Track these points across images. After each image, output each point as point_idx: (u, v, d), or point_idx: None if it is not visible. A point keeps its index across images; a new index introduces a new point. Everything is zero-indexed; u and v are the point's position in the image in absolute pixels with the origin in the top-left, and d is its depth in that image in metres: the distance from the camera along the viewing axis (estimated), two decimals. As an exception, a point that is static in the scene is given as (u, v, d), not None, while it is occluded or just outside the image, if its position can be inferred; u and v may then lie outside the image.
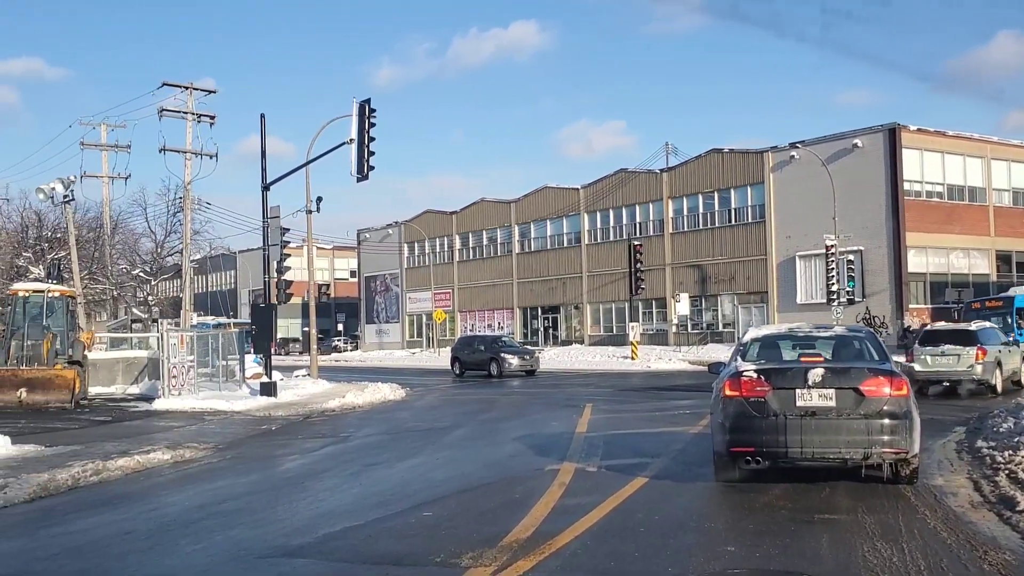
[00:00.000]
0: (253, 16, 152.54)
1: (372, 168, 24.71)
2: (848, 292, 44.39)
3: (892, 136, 44.81)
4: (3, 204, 53.10)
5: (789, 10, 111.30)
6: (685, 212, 54.60)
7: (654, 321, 56.42)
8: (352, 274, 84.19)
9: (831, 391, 9.25)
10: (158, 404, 23.71)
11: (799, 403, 9.27)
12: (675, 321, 53.71)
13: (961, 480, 10.15)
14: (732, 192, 52.07)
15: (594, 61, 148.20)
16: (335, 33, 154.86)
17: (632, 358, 44.66)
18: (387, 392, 27.85)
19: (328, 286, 35.09)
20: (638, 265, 42.50)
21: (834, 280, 44.07)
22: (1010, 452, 11.10)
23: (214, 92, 42.40)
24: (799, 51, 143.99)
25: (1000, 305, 33.53)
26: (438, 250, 70.75)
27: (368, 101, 24.81)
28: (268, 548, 7.69)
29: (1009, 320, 31.66)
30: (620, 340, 56.12)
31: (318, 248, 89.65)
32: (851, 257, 44.69)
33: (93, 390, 27.56)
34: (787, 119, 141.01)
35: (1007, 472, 10.05)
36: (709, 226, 53.21)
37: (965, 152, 47.05)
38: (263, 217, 27.88)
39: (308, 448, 15.20)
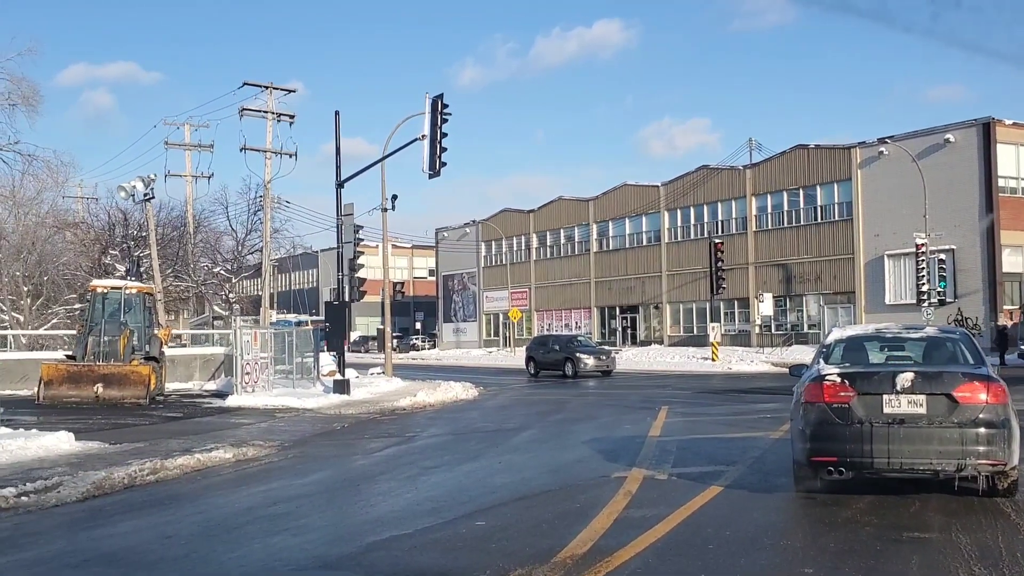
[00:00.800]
0: (337, 16, 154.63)
1: (444, 164, 24.31)
2: (939, 292, 42.54)
3: (986, 130, 42.80)
4: (92, 203, 54.47)
5: None
6: (769, 210, 53.12)
7: (736, 322, 55.07)
8: (430, 273, 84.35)
9: (922, 397, 8.53)
10: (231, 401, 23.70)
11: (887, 410, 8.58)
12: (758, 322, 52.30)
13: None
14: (818, 189, 50.44)
15: (678, 59, 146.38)
16: (418, 33, 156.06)
17: (712, 359, 43.53)
18: (459, 391, 27.45)
19: (403, 284, 34.73)
20: (719, 264, 41.35)
21: (924, 280, 42.30)
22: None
23: (294, 91, 42.73)
24: (899, 43, 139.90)
25: None
26: (515, 249, 70.33)
27: (440, 97, 24.42)
28: (307, 558, 7.21)
29: None
30: (700, 341, 54.89)
31: (396, 247, 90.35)
32: (942, 256, 42.81)
33: (171, 386, 27.82)
34: (876, 116, 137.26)
35: (1124, 489, 8.97)
36: (794, 224, 51.66)
37: (1066, 146, 44.73)
38: (337, 214, 27.75)
39: (371, 448, 14.80)
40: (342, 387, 25.93)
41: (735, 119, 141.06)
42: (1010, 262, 42.97)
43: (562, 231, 66.46)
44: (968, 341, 9.81)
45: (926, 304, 42.21)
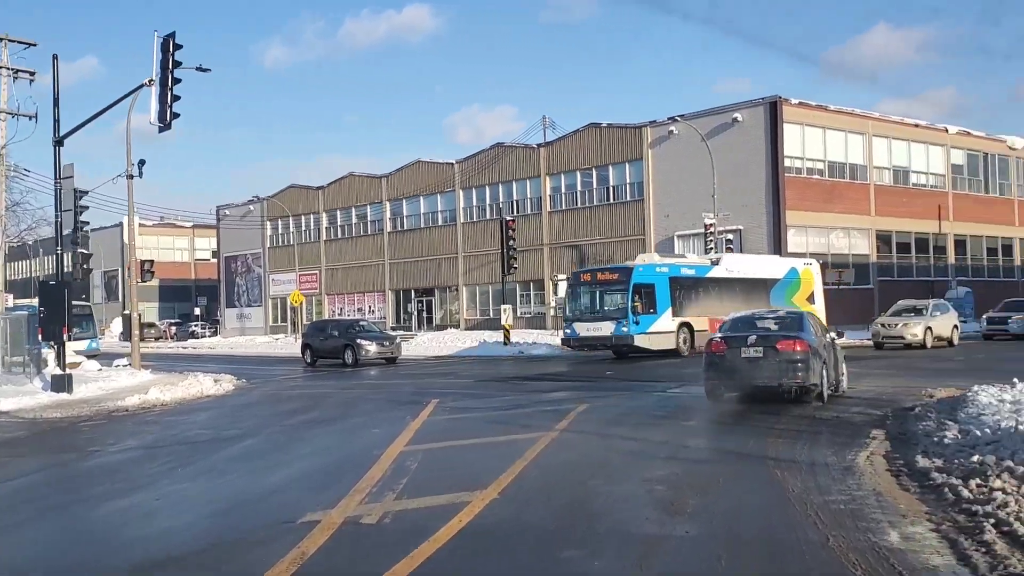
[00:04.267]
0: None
1: (176, 116, 20.13)
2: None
3: (773, 110, 42.19)
4: None
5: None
6: (563, 190, 51.15)
7: (532, 304, 52.91)
8: (214, 255, 78.05)
9: (760, 348, 14.74)
10: (-99, 403, 18.74)
11: (743, 355, 14.77)
12: (553, 304, 50.21)
13: (927, 536, 6.50)
14: (610, 169, 48.81)
15: (487, 47, 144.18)
16: (222, 5, 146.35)
17: (504, 343, 40.92)
18: (207, 386, 23.38)
19: (152, 263, 30.32)
20: (511, 243, 38.69)
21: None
22: (978, 482, 7.58)
23: (34, 45, 36.65)
24: (684, 32, 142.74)
25: (615, 279, 30.81)
26: (304, 228, 65.55)
27: (172, 36, 20.22)
28: None
29: (624, 299, 29.71)
30: (496, 324, 52.28)
31: (176, 226, 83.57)
32: (730, 236, 41.97)
33: None
34: (672, 105, 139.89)
35: (993, 521, 6.46)
36: (587, 204, 49.88)
37: (846, 128, 44.85)
38: (55, 177, 22.88)
39: (7, 475, 10.74)
40: (62, 384, 21.39)
41: (541, 108, 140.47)
42: (795, 242, 42.62)
43: (354, 210, 62.32)
44: (799, 318, 16.06)
45: (716, 285, 41.18)
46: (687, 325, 30.77)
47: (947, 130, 48.88)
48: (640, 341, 29.42)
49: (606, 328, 29.60)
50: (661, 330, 30.05)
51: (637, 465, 9.95)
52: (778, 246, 41.92)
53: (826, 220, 43.61)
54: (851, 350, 35.15)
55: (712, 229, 41.17)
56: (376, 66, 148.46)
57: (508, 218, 40.00)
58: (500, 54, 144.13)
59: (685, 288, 31.48)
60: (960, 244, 49.37)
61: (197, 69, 34.61)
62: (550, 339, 47.02)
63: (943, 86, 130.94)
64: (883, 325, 33.77)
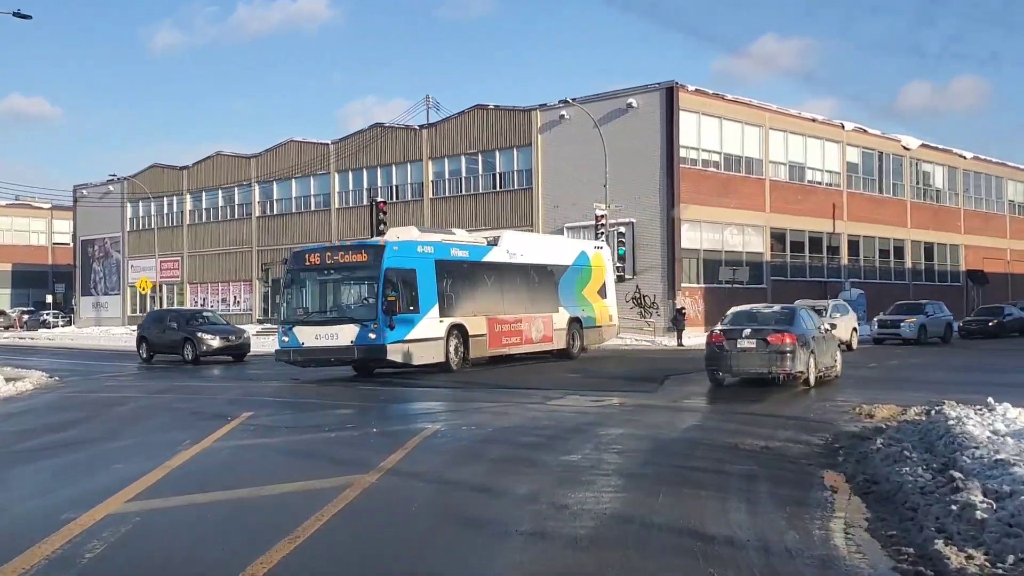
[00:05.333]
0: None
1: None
2: (618, 268, 38.32)
3: (669, 96, 39.00)
4: None
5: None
6: (447, 175, 47.01)
7: (408, 297, 48.55)
8: (74, 238, 71.07)
9: (753, 340, 16.52)
10: None
11: (739, 346, 16.57)
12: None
13: None
14: (497, 154, 44.93)
15: (382, 39, 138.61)
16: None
17: (374, 339, 36.54)
18: (-12, 386, 18.50)
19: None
20: (382, 228, 34.35)
21: (604, 254, 37.82)
22: None
23: None
24: (586, 15, 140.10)
25: (358, 262, 21.13)
26: (166, 211, 59.55)
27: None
28: None
29: (373, 292, 20.52)
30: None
31: (34, 207, 76.04)
32: (622, 229, 38.63)
33: None
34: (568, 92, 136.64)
35: None
36: (472, 192, 45.86)
37: (743, 119, 42.06)
38: None
39: None
40: None
41: (435, 100, 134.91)
42: (689, 238, 39.60)
43: (220, 191, 56.74)
44: (791, 313, 17.78)
45: (605, 280, 37.82)
46: (459, 328, 22.22)
47: (843, 126, 46.72)
48: (396, 352, 20.38)
49: (345, 335, 20.25)
50: (425, 336, 21.10)
51: (478, 553, 5.97)
52: (672, 241, 38.81)
53: (721, 215, 40.71)
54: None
55: (603, 221, 37.78)
56: (270, 54, 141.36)
57: (379, 199, 35.62)
58: (396, 46, 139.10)
59: (457, 277, 22.98)
60: (853, 244, 47.31)
61: (15, 15, 29.20)
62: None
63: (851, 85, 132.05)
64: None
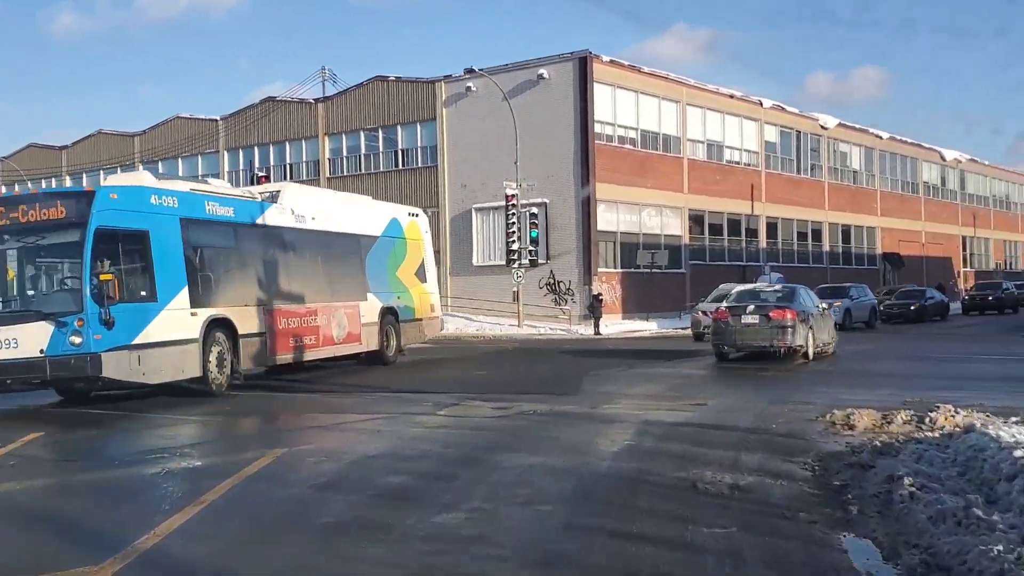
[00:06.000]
0: None
1: None
2: (531, 252, 35.30)
3: (583, 67, 35.98)
4: None
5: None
6: (344, 152, 43.22)
7: (306, 285, 44.64)
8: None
9: (756, 316, 17.73)
10: None
11: (743, 321, 17.79)
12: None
13: None
14: (399, 130, 41.35)
15: (289, 22, 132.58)
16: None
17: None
18: None
19: None
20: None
21: (515, 238, 34.77)
22: None
23: None
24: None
25: (55, 219, 12.93)
26: (40, 193, 54.26)
27: None
28: None
29: (76, 269, 12.91)
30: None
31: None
32: (535, 210, 35.53)
33: None
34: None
35: None
36: (372, 170, 42.21)
37: (660, 94, 39.34)
38: None
39: None
40: None
41: (343, 84, 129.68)
42: (605, 219, 36.73)
43: (101, 172, 51.61)
44: (792, 291, 19.32)
45: (516, 266, 34.74)
46: (224, 325, 14.79)
47: (761, 104, 44.45)
48: (116, 364, 12.75)
49: (30, 340, 12.52)
50: (167, 337, 13.66)
51: None
52: (587, 223, 35.88)
53: (638, 196, 37.93)
54: (669, 342, 29.71)
55: (514, 201, 34.64)
56: (176, 39, 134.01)
57: (260, 174, 31.76)
58: (303, 29, 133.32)
59: (218, 246, 15.71)
60: (772, 227, 45.17)
61: None
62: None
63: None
64: (704, 313, 28.15)
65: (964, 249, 60.79)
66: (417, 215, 22.65)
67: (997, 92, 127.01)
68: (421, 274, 22.06)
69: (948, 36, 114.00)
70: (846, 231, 50.04)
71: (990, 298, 44.11)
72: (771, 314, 17.52)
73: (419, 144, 40.89)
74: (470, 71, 36.24)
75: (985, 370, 16.59)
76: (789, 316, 17.46)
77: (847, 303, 33.84)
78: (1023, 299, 47.22)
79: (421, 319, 21.71)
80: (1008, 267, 65.03)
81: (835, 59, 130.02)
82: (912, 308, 38.14)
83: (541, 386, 14.74)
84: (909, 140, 55.52)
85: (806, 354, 17.99)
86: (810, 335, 18.00)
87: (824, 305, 20.32)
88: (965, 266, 60.40)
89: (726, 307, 18.45)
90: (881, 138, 52.69)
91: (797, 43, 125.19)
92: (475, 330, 35.45)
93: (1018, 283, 50.10)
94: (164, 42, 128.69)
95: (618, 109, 37.45)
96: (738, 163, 43.39)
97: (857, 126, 51.35)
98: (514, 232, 34.73)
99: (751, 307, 17.91)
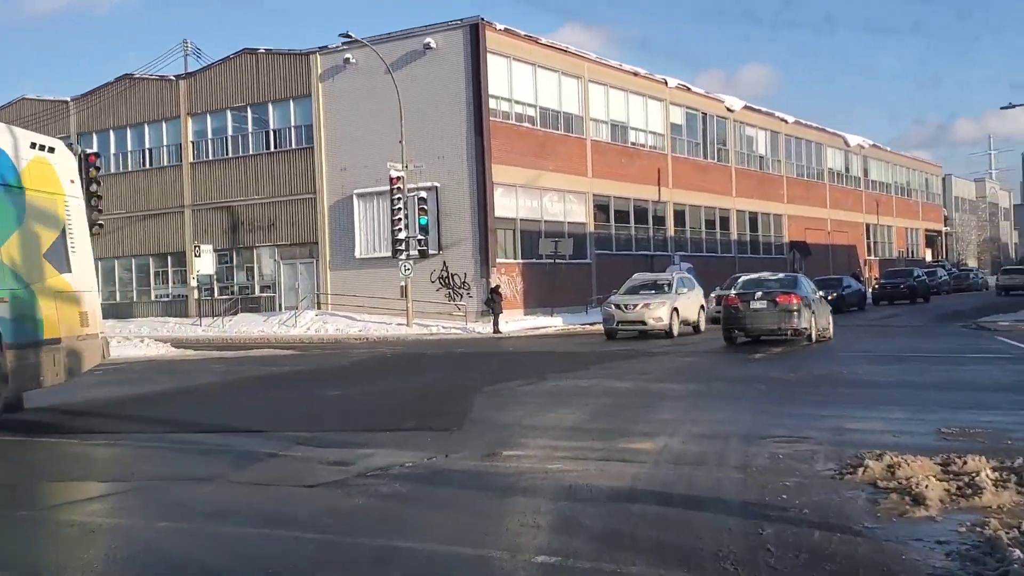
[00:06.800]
0: None
1: None
2: (420, 242, 30.87)
3: (474, 35, 31.70)
4: None
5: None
6: (210, 134, 37.88)
7: (171, 284, 39.25)
8: None
9: (764, 302, 18.79)
10: None
11: (752, 307, 18.81)
12: (194, 284, 37.01)
13: None
14: (271, 108, 36.32)
15: (178, 19, 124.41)
16: None
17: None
18: None
19: None
20: (94, 187, 24.82)
21: (401, 227, 30.31)
22: None
23: None
24: None
25: None
26: None
27: None
28: None
29: None
30: (126, 311, 38.49)
31: None
32: (423, 195, 31.09)
33: None
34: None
35: None
36: (242, 153, 37.02)
37: (560, 68, 35.35)
38: None
39: None
40: None
41: (195, 46, 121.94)
42: (503, 205, 32.55)
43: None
44: (794, 278, 20.59)
45: (403, 257, 30.29)
46: None
47: (666, 83, 40.95)
48: None
49: None
50: None
51: None
52: (483, 209, 31.64)
53: (539, 179, 33.86)
54: (579, 341, 25.74)
55: (400, 185, 30.16)
56: (60, 33, 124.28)
57: (89, 151, 26.20)
58: (190, 22, 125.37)
59: None
60: (679, 215, 41.74)
61: None
62: (190, 329, 34.28)
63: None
64: (618, 307, 24.27)
65: (868, 237, 58.87)
66: (52, 149, 11.48)
67: (917, 86, 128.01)
68: (57, 257, 11.17)
69: (865, 33, 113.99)
70: (754, 219, 47.10)
71: (902, 287, 41.75)
72: (778, 299, 18.65)
73: (293, 124, 36.00)
74: (347, 37, 31.47)
75: (987, 375, 12.96)
76: (795, 301, 18.57)
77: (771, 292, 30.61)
78: (934, 287, 45.23)
79: (59, 340, 10.82)
80: (910, 255, 63.58)
81: (746, 55, 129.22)
82: (829, 299, 35.16)
83: (414, 414, 10.37)
84: (814, 125, 53.10)
85: (809, 336, 18.79)
86: (812, 319, 18.96)
87: (820, 293, 21.23)
88: (869, 254, 58.46)
89: (735, 294, 19.59)
90: (786, 122, 50.01)
91: (712, 40, 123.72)
92: (358, 331, 30.86)
93: (928, 270, 48.17)
94: (48, 37, 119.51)
95: (515, 84, 33.31)
96: (644, 146, 39.79)
97: (763, 109, 48.53)
98: (400, 220, 30.26)
99: (759, 293, 18.98)
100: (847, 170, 57.24)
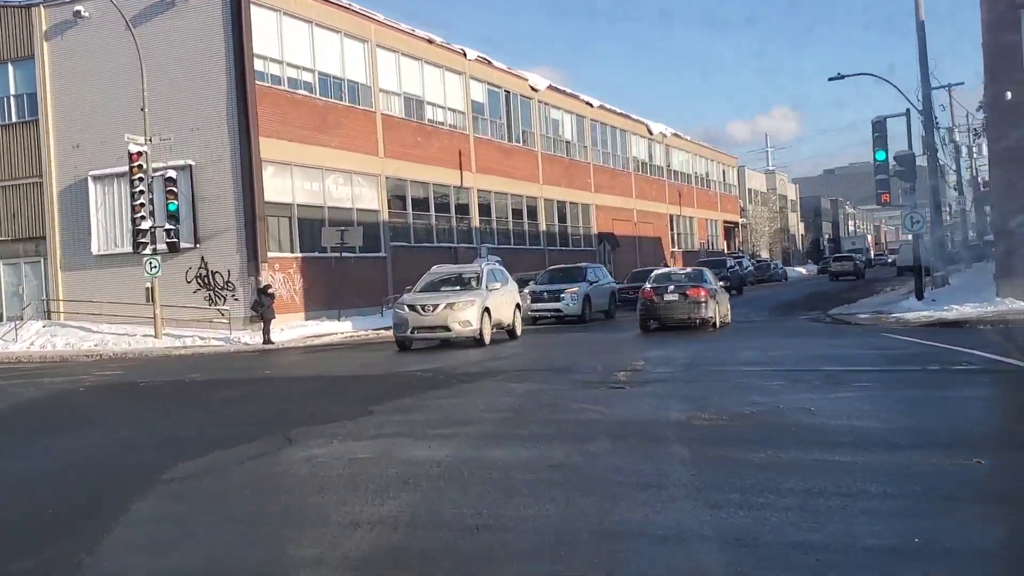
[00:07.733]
0: None
1: None
2: (171, 233, 24.42)
3: (236, -17, 25.68)
4: None
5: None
6: (-103, 105, 29.62)
7: None
8: None
9: (676, 294, 20.18)
10: None
11: (665, 299, 20.24)
12: None
13: None
14: (-19, 71, 28.70)
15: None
16: None
17: None
18: None
19: None
20: None
21: (144, 213, 23.89)
22: None
23: None
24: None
25: None
26: None
27: None
28: None
29: None
30: None
31: None
32: (173, 174, 24.66)
33: None
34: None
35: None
36: (-58, 129, 29.08)
37: (343, 28, 29.76)
38: None
39: None
40: None
41: None
42: (276, 188, 26.62)
43: None
44: (700, 273, 21.79)
45: (148, 252, 23.88)
46: None
47: (465, 54, 36.19)
48: None
49: None
50: None
51: None
52: (251, 192, 25.62)
53: (320, 157, 28.14)
54: (372, 352, 20.33)
55: (141, 162, 23.76)
56: None
57: None
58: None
59: None
60: (484, 205, 37.12)
61: None
62: None
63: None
64: (413, 308, 19.02)
65: (672, 228, 56.74)
66: None
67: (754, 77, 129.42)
68: None
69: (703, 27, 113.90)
70: (562, 208, 43.25)
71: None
72: (688, 292, 20.25)
73: (12, 91, 28.55)
74: (69, -22, 24.64)
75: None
76: (703, 293, 20.22)
77: (585, 288, 26.67)
78: (749, 278, 43.15)
79: None
80: (710, 247, 62.26)
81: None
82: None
83: (35, 546, 4.75)
84: (619, 110, 50.03)
85: (714, 324, 20.24)
86: (716, 308, 20.53)
87: (720, 284, 23.13)
88: (674, 246, 56.32)
89: (650, 288, 20.72)
90: (592, 106, 46.55)
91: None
92: (92, 345, 24.20)
93: (735, 262, 46.15)
94: None
95: (287, 43, 27.44)
96: (443, 124, 34.83)
97: (568, 91, 44.76)
98: (143, 205, 23.83)
99: (671, 287, 20.55)
100: (651, 159, 54.80)
